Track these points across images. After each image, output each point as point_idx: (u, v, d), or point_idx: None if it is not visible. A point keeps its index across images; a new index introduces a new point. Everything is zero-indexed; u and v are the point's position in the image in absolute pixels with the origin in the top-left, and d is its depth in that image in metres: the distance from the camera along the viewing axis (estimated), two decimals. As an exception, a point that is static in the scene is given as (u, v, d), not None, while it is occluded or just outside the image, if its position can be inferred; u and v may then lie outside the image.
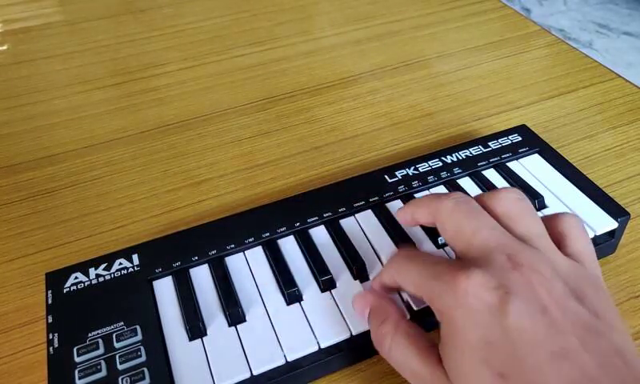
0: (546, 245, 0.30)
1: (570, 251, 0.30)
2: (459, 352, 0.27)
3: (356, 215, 0.42)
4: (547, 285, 0.27)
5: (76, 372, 0.32)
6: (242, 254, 0.39)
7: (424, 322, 0.32)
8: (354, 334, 0.34)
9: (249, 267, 0.39)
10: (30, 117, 0.60)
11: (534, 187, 0.43)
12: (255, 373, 0.32)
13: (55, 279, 0.37)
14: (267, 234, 0.40)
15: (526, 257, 0.28)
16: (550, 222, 0.32)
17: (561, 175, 0.44)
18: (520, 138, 0.48)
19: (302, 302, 0.36)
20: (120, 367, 0.32)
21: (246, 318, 0.35)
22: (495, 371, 0.25)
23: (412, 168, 0.45)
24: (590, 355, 0.25)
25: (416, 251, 0.32)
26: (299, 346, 0.34)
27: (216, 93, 0.62)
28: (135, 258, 0.39)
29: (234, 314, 0.35)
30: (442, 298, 0.28)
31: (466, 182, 0.44)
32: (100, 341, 0.33)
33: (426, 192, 0.43)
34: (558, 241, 0.31)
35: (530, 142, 0.47)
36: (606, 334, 0.26)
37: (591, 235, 0.39)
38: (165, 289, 0.37)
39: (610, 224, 0.40)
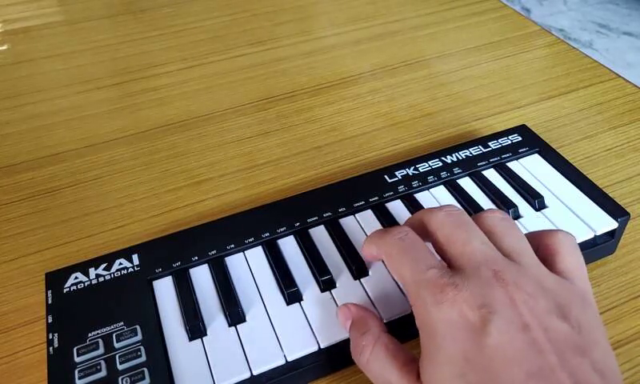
0: (531, 261, 0.30)
1: (560, 268, 0.30)
2: (437, 366, 0.27)
3: (356, 215, 0.42)
4: (530, 302, 0.27)
5: (76, 372, 0.32)
6: (241, 254, 0.39)
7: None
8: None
9: (249, 267, 0.39)
10: (31, 116, 0.60)
11: (534, 187, 0.43)
12: (255, 373, 0.32)
13: (55, 279, 0.37)
14: (267, 234, 0.40)
15: (511, 274, 0.28)
16: (542, 238, 0.32)
17: (561, 175, 0.44)
18: (520, 138, 0.48)
19: (301, 302, 0.36)
20: (120, 367, 0.32)
21: (246, 318, 0.35)
22: None
23: (412, 168, 0.45)
24: (568, 374, 0.25)
25: (414, 241, 0.32)
26: (299, 346, 0.34)
27: (216, 93, 0.62)
28: (135, 258, 0.39)
29: (234, 313, 0.35)
30: (426, 308, 0.28)
31: (466, 182, 0.44)
32: (100, 341, 0.33)
33: (426, 192, 0.43)
34: (549, 256, 0.31)
35: (529, 142, 0.47)
36: (588, 351, 0.26)
37: (591, 235, 0.40)
38: (165, 289, 0.37)
39: (610, 224, 0.40)
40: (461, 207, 0.33)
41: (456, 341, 0.27)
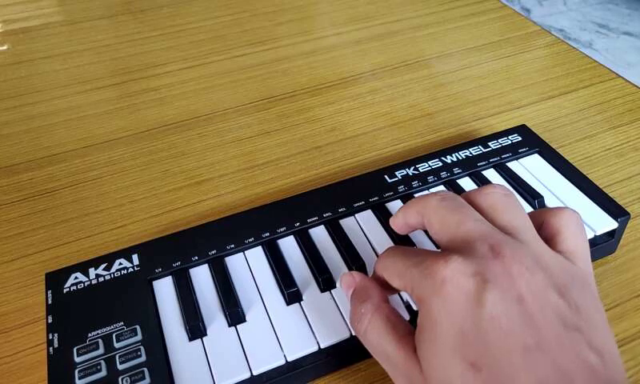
0: (531, 237, 0.29)
1: (562, 248, 0.30)
2: (433, 340, 0.27)
3: (356, 215, 0.42)
4: (527, 276, 0.27)
5: (76, 372, 0.32)
6: (241, 253, 0.39)
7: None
8: (353, 333, 0.34)
9: (249, 267, 0.39)
10: (30, 117, 0.60)
11: (534, 187, 0.43)
12: (255, 373, 0.32)
13: (55, 279, 0.37)
14: (267, 234, 0.40)
15: (508, 247, 0.28)
16: (547, 216, 0.32)
17: (561, 175, 0.44)
18: (520, 138, 0.48)
19: (301, 302, 0.36)
20: (120, 367, 0.32)
21: (246, 318, 0.35)
22: (467, 361, 0.25)
23: (412, 168, 0.45)
24: (565, 351, 0.24)
25: (403, 247, 0.33)
26: (299, 346, 0.33)
27: (216, 93, 0.62)
28: (135, 258, 0.39)
29: (234, 313, 0.35)
30: (421, 286, 0.28)
31: (466, 182, 0.44)
32: (100, 341, 0.33)
33: (426, 192, 0.43)
34: (552, 236, 0.31)
35: (529, 142, 0.47)
36: (586, 331, 0.26)
37: (591, 235, 0.40)
38: (165, 289, 0.37)
39: (610, 224, 0.40)
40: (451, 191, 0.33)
41: (452, 313, 0.26)
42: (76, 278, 0.37)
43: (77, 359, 0.32)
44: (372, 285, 0.33)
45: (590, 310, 0.27)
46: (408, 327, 0.30)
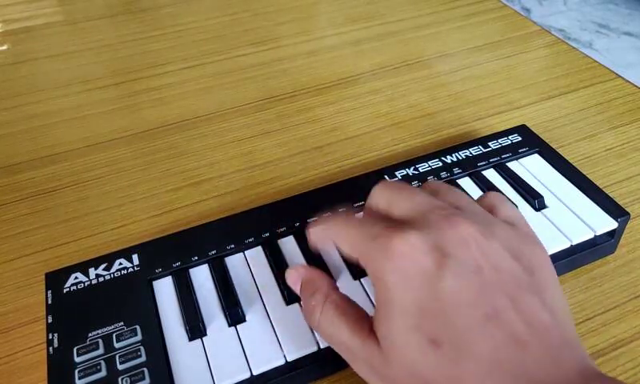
0: (478, 209, 0.31)
1: (502, 217, 0.31)
2: (392, 319, 0.26)
3: (356, 215, 0.42)
4: (482, 242, 0.27)
5: (76, 372, 0.32)
6: (241, 253, 0.39)
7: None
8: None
9: (249, 267, 0.39)
10: (31, 116, 0.60)
11: (534, 187, 0.43)
12: (255, 373, 0.32)
13: (55, 279, 0.37)
14: (267, 234, 0.40)
15: (461, 215, 0.28)
16: (479, 201, 0.33)
17: (561, 175, 0.44)
18: (520, 138, 0.48)
19: (302, 302, 0.36)
20: (120, 367, 0.32)
21: (246, 318, 0.35)
22: (427, 337, 0.25)
23: (412, 168, 0.45)
24: (521, 315, 0.25)
25: (356, 216, 0.33)
26: (299, 346, 0.33)
27: (217, 93, 0.62)
28: (135, 258, 0.39)
29: (234, 313, 0.35)
30: (377, 261, 0.27)
31: (466, 182, 0.44)
32: (100, 341, 0.33)
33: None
34: (489, 210, 0.32)
35: (529, 142, 0.47)
36: (539, 291, 0.26)
37: (591, 235, 0.40)
38: (165, 289, 0.37)
39: (610, 224, 0.40)
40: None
41: (409, 290, 0.26)
42: (76, 277, 0.37)
43: (77, 359, 0.33)
44: (318, 275, 0.33)
45: (542, 269, 0.28)
46: (360, 311, 0.30)
